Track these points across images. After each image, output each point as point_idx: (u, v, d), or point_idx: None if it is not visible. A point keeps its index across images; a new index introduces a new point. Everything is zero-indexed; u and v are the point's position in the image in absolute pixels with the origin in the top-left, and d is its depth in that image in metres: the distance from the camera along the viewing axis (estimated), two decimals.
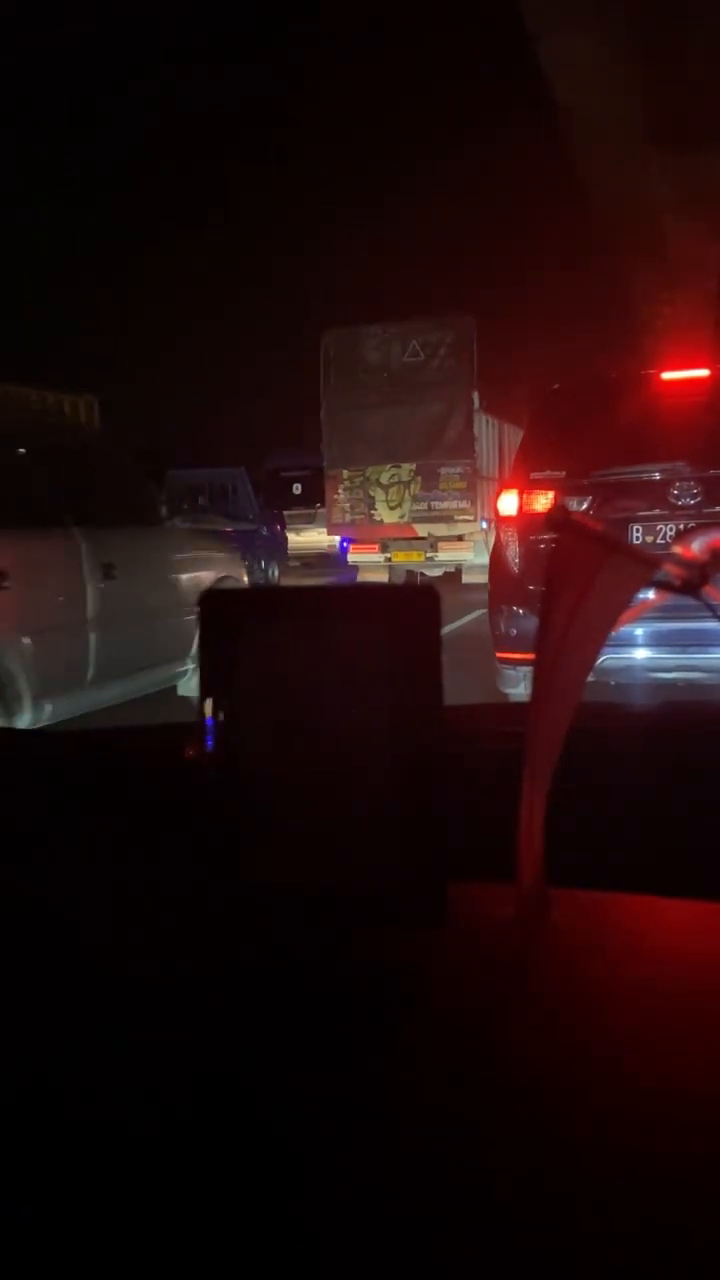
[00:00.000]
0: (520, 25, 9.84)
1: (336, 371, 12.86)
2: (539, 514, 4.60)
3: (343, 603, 0.59)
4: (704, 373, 4.92)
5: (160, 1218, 0.40)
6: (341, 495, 12.96)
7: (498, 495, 5.03)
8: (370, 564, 12.72)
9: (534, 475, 4.71)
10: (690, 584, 0.60)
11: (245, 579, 6.52)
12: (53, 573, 4.50)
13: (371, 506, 12.78)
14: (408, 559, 12.62)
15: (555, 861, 0.60)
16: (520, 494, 4.76)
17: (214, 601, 0.58)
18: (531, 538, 4.70)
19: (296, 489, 16.43)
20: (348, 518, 12.96)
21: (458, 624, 8.37)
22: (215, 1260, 0.38)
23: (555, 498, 4.45)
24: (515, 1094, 0.46)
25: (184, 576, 5.39)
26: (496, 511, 4.98)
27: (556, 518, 0.57)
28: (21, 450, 4.79)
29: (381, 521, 12.74)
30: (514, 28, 9.95)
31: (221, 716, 0.57)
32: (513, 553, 4.82)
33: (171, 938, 0.63)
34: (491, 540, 5.53)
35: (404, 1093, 0.46)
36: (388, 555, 12.68)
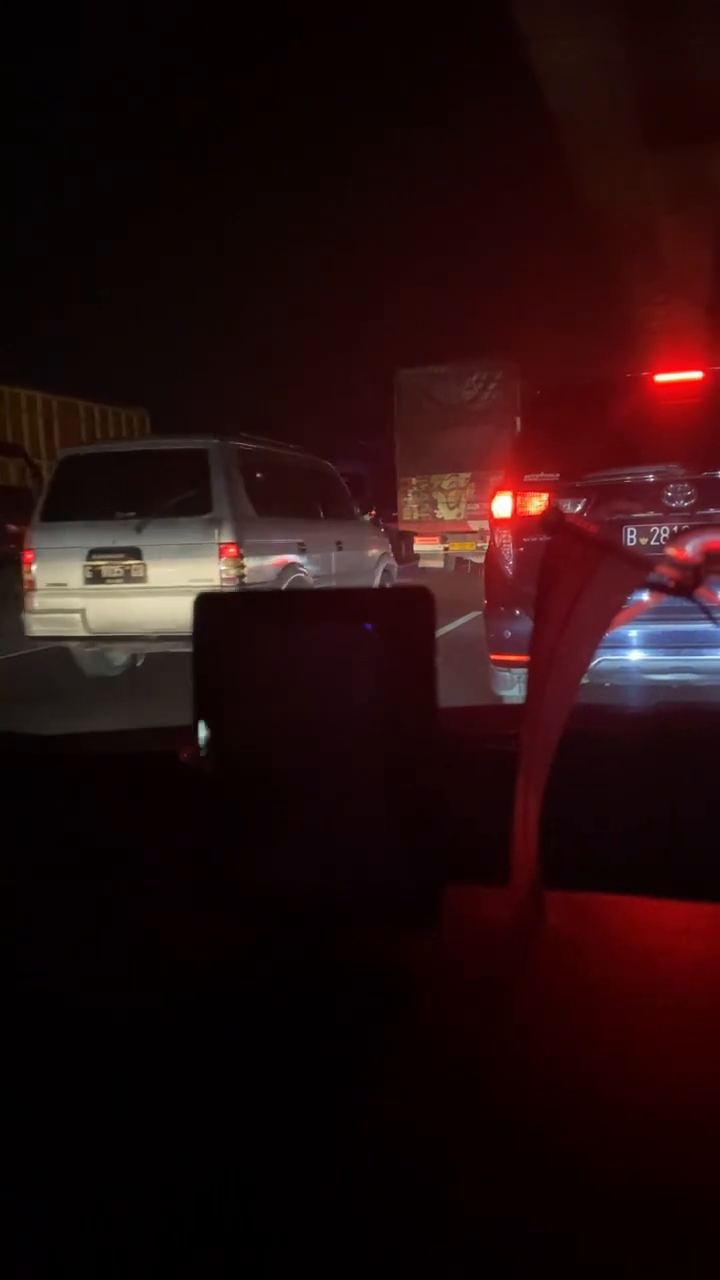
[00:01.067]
0: (512, 28, 9.88)
1: (407, 401, 17.20)
2: (533, 516, 4.61)
3: (337, 605, 0.59)
4: (698, 375, 4.89)
5: (156, 1228, 0.40)
6: (410, 498, 17.18)
7: (491, 497, 5.03)
8: (431, 552, 16.48)
9: (528, 477, 4.71)
10: (684, 586, 0.60)
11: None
12: (319, 546, 7.78)
13: (435, 507, 16.96)
14: (461, 548, 16.25)
15: (550, 863, 0.60)
16: (514, 496, 4.75)
17: (207, 604, 0.58)
18: (526, 540, 4.71)
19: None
20: (416, 515, 17.14)
21: (452, 626, 8.38)
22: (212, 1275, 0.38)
23: (549, 500, 4.44)
24: (512, 1096, 0.46)
25: (368, 551, 9.09)
26: (490, 513, 4.97)
27: (550, 520, 0.57)
28: (301, 471, 8.25)
29: (442, 519, 16.80)
30: (506, 31, 10.02)
31: (215, 719, 0.57)
32: (507, 555, 4.82)
33: (164, 940, 0.62)
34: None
35: (399, 1096, 0.46)
36: (446, 545, 16.52)
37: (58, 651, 7.43)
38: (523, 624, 4.59)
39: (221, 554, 6.50)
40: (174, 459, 6.91)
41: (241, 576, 6.49)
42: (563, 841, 0.62)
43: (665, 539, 4.47)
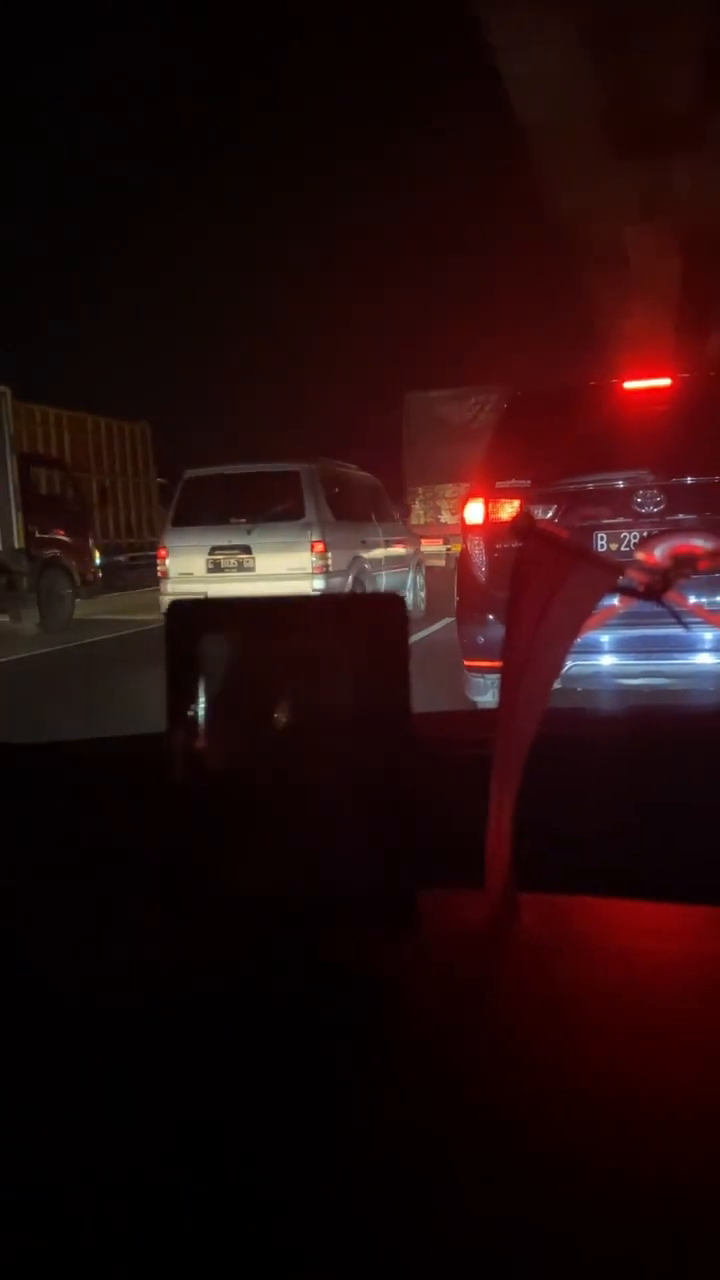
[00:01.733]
0: (480, 40, 9.97)
1: (414, 420, 19.83)
2: (504, 522, 4.63)
3: (310, 612, 0.59)
4: (665, 382, 4.96)
5: (139, 1239, 0.40)
6: (418, 505, 19.41)
7: (463, 504, 5.05)
8: (434, 552, 17.35)
9: (499, 484, 4.75)
10: (653, 590, 0.61)
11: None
12: (374, 543, 10.13)
13: (438, 513, 19.14)
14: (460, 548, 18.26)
15: (523, 866, 0.60)
16: (486, 502, 4.78)
17: (180, 612, 0.58)
18: (498, 546, 4.73)
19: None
20: (422, 519, 19.04)
21: (426, 633, 8.40)
22: None
23: (520, 506, 4.49)
24: (487, 1099, 0.47)
25: (406, 548, 11.44)
26: (463, 520, 4.99)
27: (521, 525, 0.58)
28: (360, 485, 10.51)
29: (445, 523, 18.41)
30: (473, 43, 10.13)
31: (190, 726, 0.57)
32: (479, 561, 4.84)
33: (139, 946, 0.62)
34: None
35: (379, 1097, 0.46)
36: (448, 545, 17.67)
37: (104, 641, 9.85)
38: (495, 630, 4.62)
39: (312, 549, 8.81)
40: (274, 478, 9.19)
41: (326, 565, 8.84)
42: (536, 844, 0.62)
43: (634, 544, 4.51)
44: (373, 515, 10.51)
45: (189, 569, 9.00)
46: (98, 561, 13.04)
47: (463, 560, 5.04)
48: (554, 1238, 0.38)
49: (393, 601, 0.56)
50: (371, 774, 0.55)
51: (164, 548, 9.26)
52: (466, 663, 4.86)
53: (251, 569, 8.92)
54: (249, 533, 8.95)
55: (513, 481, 4.67)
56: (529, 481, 4.64)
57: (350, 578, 9.33)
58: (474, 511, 4.86)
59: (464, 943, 0.60)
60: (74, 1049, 0.52)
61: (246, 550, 8.94)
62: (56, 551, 12.02)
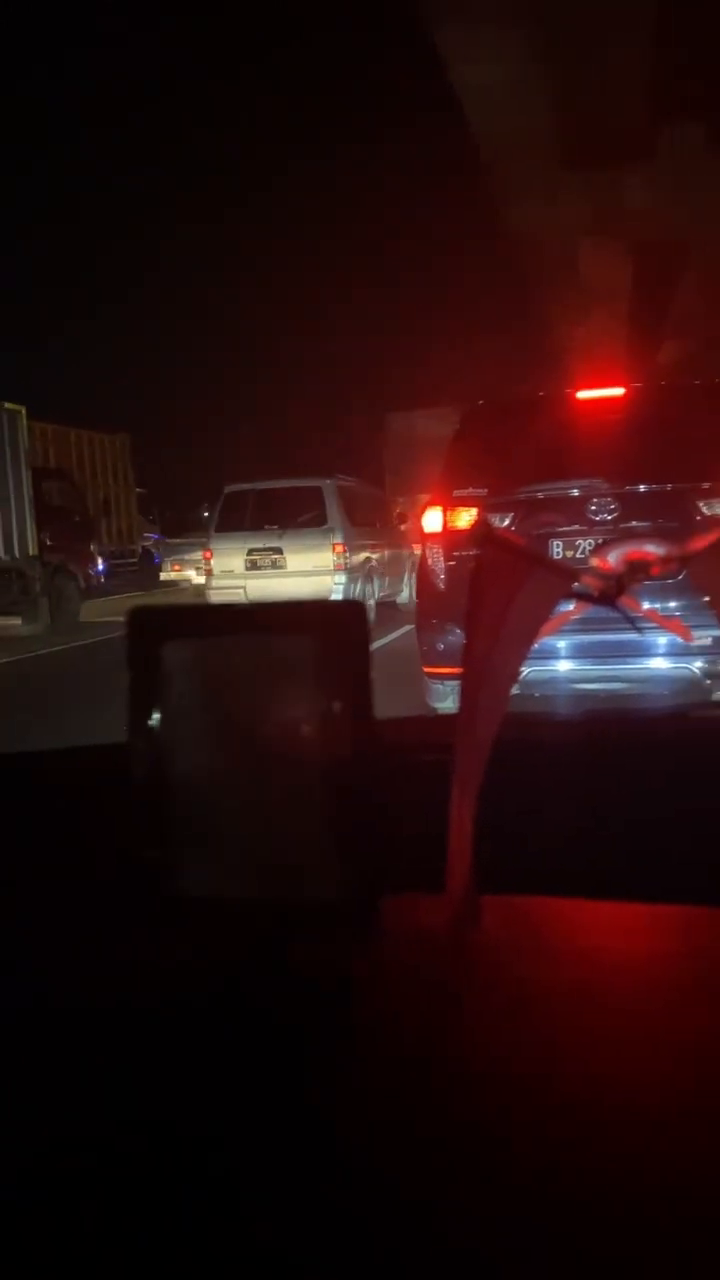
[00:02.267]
0: (433, 53, 10.05)
1: (395, 437, 20.89)
2: (462, 531, 4.67)
3: (271, 618, 0.59)
4: (619, 391, 5.01)
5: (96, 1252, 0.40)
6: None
7: (421, 513, 5.09)
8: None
9: (457, 492, 4.81)
10: (607, 595, 0.62)
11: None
12: (380, 545, 11.82)
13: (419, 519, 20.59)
14: None
15: (484, 868, 0.61)
16: (444, 511, 4.81)
17: (140, 617, 0.58)
18: (456, 554, 4.76)
19: None
20: (402, 527, 20.46)
21: (386, 640, 8.44)
22: None
23: (478, 514, 4.56)
24: (448, 1101, 0.47)
25: (404, 550, 12.63)
26: (421, 529, 5.02)
27: (480, 533, 0.59)
28: (369, 497, 12.27)
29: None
30: (427, 55, 10.22)
31: (151, 734, 0.57)
32: (438, 569, 4.88)
33: (102, 952, 0.62)
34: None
35: (338, 1106, 0.47)
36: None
37: (111, 640, 10.34)
38: (454, 636, 4.64)
39: (333, 550, 10.76)
40: (301, 491, 11.08)
41: (345, 563, 10.76)
42: (497, 847, 0.63)
43: (589, 551, 4.54)
44: (377, 523, 12.35)
45: (230, 567, 10.93)
46: (100, 568, 14.46)
47: (421, 568, 5.07)
48: (526, 1235, 0.39)
49: (353, 608, 0.56)
50: (334, 780, 0.55)
51: (209, 550, 11.26)
52: (426, 669, 4.88)
53: (283, 567, 10.81)
54: (280, 536, 10.85)
55: (470, 490, 4.74)
56: (485, 490, 4.71)
57: (361, 575, 11.17)
58: (432, 520, 4.89)
59: (427, 946, 0.61)
60: (37, 1056, 0.51)
61: (279, 551, 10.87)
62: (64, 558, 13.26)
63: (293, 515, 10.93)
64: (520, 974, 0.58)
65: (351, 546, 10.96)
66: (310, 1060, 0.50)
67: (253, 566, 10.91)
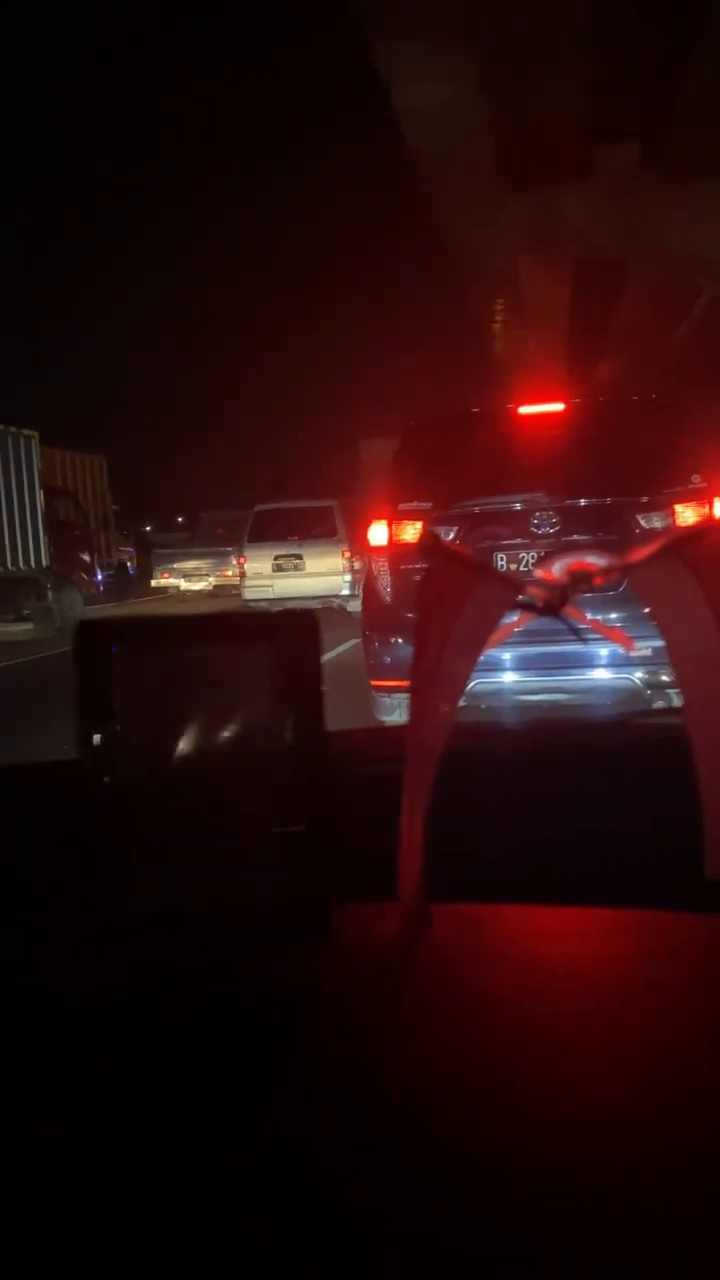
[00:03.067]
0: (374, 72, 10.14)
1: (368, 461, 20.12)
2: (408, 544, 4.70)
3: (222, 630, 0.59)
4: (558, 407, 5.09)
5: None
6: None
7: (367, 527, 5.11)
8: None
9: (401, 506, 4.85)
10: (552, 605, 0.63)
11: None
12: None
13: None
14: None
15: (435, 877, 0.62)
16: (389, 525, 4.85)
17: (89, 631, 0.57)
18: (401, 567, 4.78)
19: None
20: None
21: (333, 654, 8.45)
22: None
23: (423, 528, 4.58)
24: (403, 1105, 0.48)
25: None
26: (367, 542, 5.05)
27: (427, 545, 0.60)
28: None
29: None
30: (367, 74, 10.31)
31: (101, 746, 0.56)
32: (384, 582, 4.89)
33: (56, 965, 0.62)
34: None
35: (291, 1115, 0.47)
36: None
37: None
38: (401, 649, 4.66)
39: (342, 555, 13.29)
40: (314, 510, 13.86)
41: (351, 566, 12.94)
42: (446, 855, 0.63)
43: (532, 563, 4.60)
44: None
45: (260, 570, 13.42)
46: (99, 577, 16.35)
47: (368, 582, 5.09)
48: (480, 1236, 0.39)
49: (305, 619, 0.56)
50: (286, 790, 0.56)
51: (244, 556, 13.74)
52: (373, 682, 4.88)
53: (303, 569, 13.39)
54: (300, 545, 13.43)
55: (414, 504, 4.81)
56: (430, 504, 4.79)
57: (361, 575, 13.59)
58: (377, 534, 4.92)
59: (379, 954, 0.61)
60: None
61: (299, 557, 13.46)
62: (70, 568, 14.88)
63: (309, 528, 13.67)
64: (472, 980, 0.59)
65: (355, 552, 13.27)
66: (267, 1069, 0.50)
67: (278, 569, 13.46)
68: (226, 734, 0.56)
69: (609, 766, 0.99)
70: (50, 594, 13.88)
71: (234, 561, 15.08)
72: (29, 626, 13.55)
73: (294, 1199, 0.42)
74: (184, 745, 0.56)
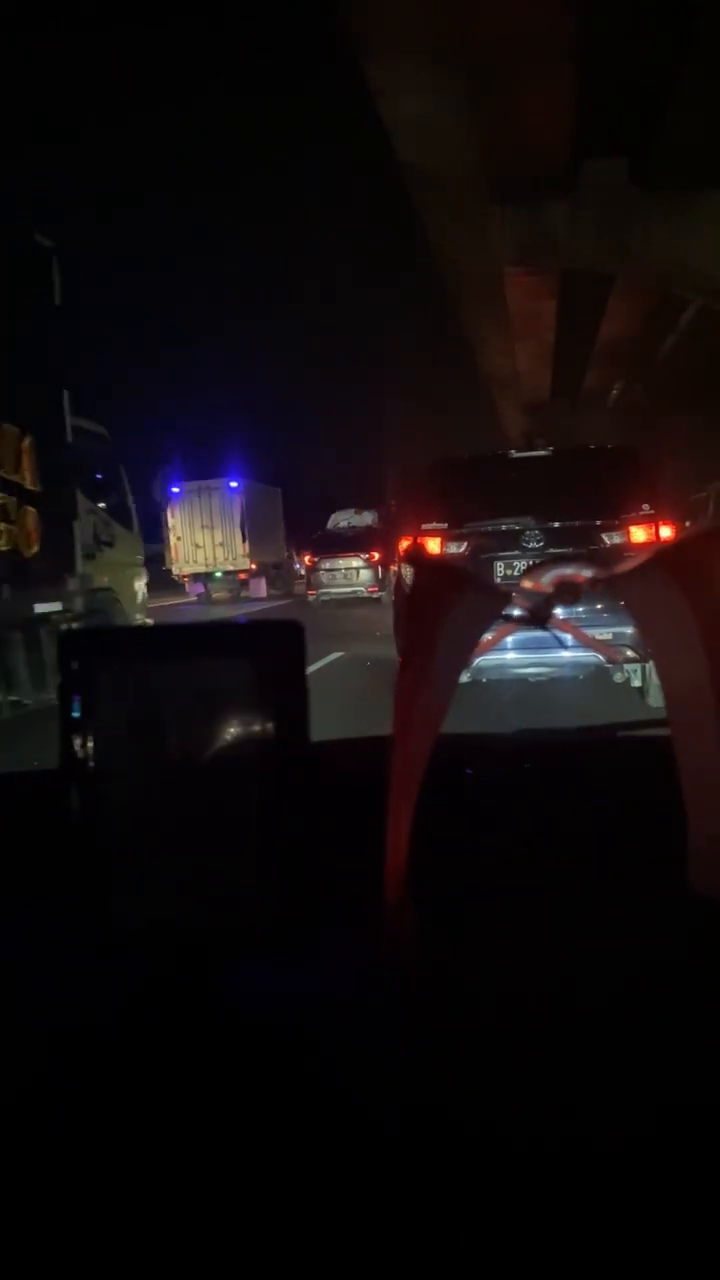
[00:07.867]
0: (362, 86, 10.17)
1: (394, 492, 25.97)
2: (429, 555, 5.83)
3: (207, 639, 0.58)
4: (544, 452, 6.53)
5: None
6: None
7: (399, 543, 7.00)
8: None
9: (424, 526, 6.16)
10: (537, 613, 0.64)
11: None
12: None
13: None
14: None
15: (420, 883, 0.61)
16: (414, 540, 6.19)
17: (74, 641, 0.57)
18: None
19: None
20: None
21: (318, 665, 8.46)
22: None
23: (441, 543, 5.93)
24: (386, 1107, 0.47)
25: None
26: (399, 553, 6.67)
27: (411, 555, 0.60)
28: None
29: None
30: (355, 88, 10.35)
31: (85, 757, 0.56)
32: (408, 586, 5.64)
33: (38, 977, 0.61)
34: None
35: (279, 1119, 0.47)
36: None
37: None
38: None
39: (368, 562, 19.49)
40: (357, 530, 20.92)
41: (377, 570, 19.08)
42: (432, 862, 0.63)
43: (521, 571, 5.02)
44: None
45: (325, 575, 19.28)
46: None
47: (398, 585, 6.90)
48: (477, 1234, 0.39)
49: (290, 628, 0.56)
50: (269, 801, 0.55)
51: (312, 560, 19.92)
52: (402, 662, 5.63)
53: (354, 575, 19.23)
54: (350, 556, 19.49)
55: (434, 524, 6.15)
56: (446, 524, 6.10)
57: (386, 571, 18.43)
58: (405, 547, 6.36)
59: (363, 963, 0.61)
60: None
61: (352, 565, 19.34)
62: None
63: (353, 544, 19.66)
64: (457, 988, 0.59)
65: (381, 557, 19.05)
66: (251, 1077, 0.50)
67: (335, 574, 19.38)
68: (211, 744, 0.55)
69: (593, 775, 1.00)
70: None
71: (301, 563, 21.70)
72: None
73: (293, 1204, 0.41)
74: (167, 754, 0.55)
